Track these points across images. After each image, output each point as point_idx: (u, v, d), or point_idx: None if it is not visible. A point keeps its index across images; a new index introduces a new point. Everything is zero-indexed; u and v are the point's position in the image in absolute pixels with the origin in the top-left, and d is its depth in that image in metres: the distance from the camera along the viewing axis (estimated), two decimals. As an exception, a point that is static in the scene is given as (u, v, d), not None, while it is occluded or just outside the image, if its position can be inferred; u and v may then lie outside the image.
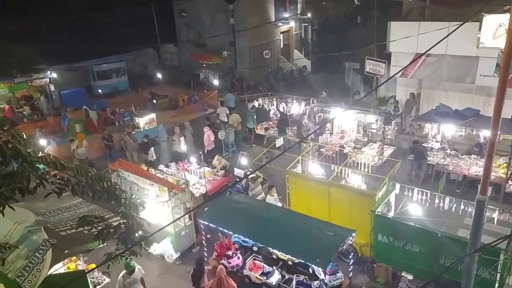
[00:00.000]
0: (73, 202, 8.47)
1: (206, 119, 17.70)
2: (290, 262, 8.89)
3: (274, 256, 9.15)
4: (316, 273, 8.29)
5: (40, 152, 3.81)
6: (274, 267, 8.85)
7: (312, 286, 8.09)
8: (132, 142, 15.62)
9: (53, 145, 15.47)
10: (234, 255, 9.12)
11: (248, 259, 9.16)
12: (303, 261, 8.21)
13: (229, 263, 8.97)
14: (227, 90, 23.81)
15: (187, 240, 10.57)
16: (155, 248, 10.19)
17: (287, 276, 8.73)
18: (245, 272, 8.82)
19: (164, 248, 10.24)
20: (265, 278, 8.59)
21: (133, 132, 16.45)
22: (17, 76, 21.98)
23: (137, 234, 4.34)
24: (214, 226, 9.14)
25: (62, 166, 3.65)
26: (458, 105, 15.02)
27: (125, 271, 8.13)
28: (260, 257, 9.10)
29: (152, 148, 15.05)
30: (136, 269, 8.22)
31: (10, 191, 3.57)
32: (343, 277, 8.50)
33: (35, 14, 27.23)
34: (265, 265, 8.94)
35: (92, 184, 3.82)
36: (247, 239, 9.27)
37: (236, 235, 9.27)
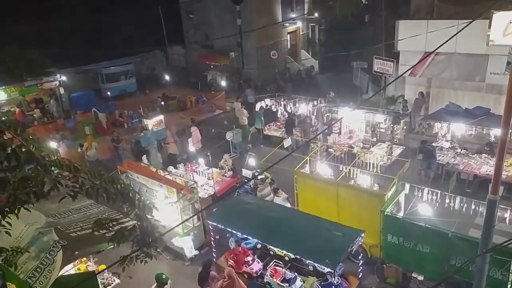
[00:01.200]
0: (83, 204, 8.56)
1: (191, 120, 17.60)
2: (286, 258, 8.87)
3: (271, 252, 9.14)
4: (318, 268, 8.26)
5: (53, 156, 3.84)
6: (295, 273, 8.66)
7: (334, 282, 8.04)
8: (129, 149, 15.66)
9: (63, 147, 15.66)
10: (252, 261, 9.04)
11: (270, 265, 8.94)
12: (299, 257, 8.21)
13: (252, 269, 8.89)
14: (234, 91, 23.83)
15: (196, 241, 10.64)
16: (177, 240, 10.30)
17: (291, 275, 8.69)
18: (266, 279, 8.63)
19: (186, 243, 10.36)
20: (287, 285, 8.37)
21: (138, 134, 16.50)
22: (27, 80, 22.23)
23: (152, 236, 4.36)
24: (223, 227, 9.16)
25: (76, 169, 3.69)
26: (468, 103, 14.87)
27: (156, 284, 8.13)
28: (281, 262, 8.91)
29: (145, 155, 14.85)
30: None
31: (25, 195, 3.61)
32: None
33: (44, 18, 27.54)
34: (286, 271, 8.73)
35: (106, 187, 3.84)
36: (249, 239, 9.26)
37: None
